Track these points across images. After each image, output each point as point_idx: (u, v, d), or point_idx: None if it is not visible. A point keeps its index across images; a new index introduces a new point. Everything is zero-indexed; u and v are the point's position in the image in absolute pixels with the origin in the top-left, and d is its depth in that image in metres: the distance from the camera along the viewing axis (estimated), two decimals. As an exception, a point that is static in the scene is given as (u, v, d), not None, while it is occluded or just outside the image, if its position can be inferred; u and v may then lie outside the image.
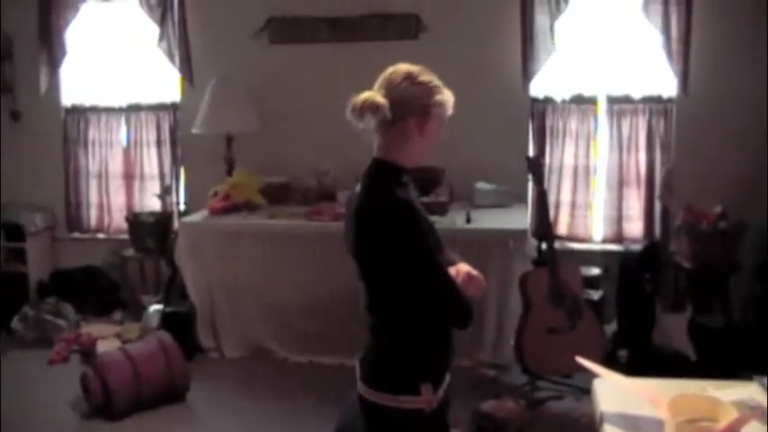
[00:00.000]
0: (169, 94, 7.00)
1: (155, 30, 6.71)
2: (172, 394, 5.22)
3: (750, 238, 5.70)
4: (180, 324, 5.90)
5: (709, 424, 2.38)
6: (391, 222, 2.51)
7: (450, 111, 2.67)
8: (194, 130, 6.41)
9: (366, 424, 2.72)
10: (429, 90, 2.63)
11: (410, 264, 2.53)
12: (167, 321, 5.94)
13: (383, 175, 2.62)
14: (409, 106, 2.60)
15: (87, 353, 5.93)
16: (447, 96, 2.66)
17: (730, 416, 2.37)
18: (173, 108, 6.98)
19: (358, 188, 2.65)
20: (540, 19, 6.10)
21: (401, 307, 2.63)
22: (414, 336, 2.65)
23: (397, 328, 2.67)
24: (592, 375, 2.75)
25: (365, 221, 2.57)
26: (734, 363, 5.12)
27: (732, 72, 5.96)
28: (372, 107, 2.57)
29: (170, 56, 6.72)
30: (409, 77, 2.64)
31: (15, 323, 6.43)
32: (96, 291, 6.92)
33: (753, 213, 5.63)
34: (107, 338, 6.21)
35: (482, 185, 6.14)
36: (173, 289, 6.35)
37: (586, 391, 2.92)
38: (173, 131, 6.99)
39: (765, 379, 2.80)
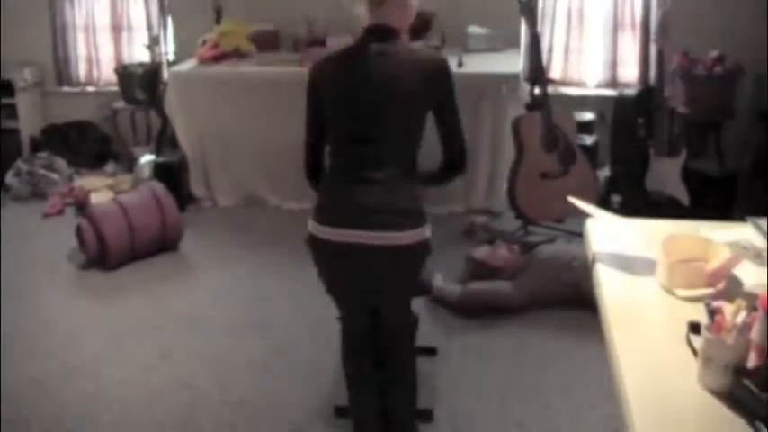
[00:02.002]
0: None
1: None
2: (165, 244, 5.28)
3: (746, 84, 5.64)
4: (172, 174, 5.90)
5: (702, 264, 2.38)
6: (449, 77, 2.88)
7: None
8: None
9: (414, 265, 2.96)
10: None
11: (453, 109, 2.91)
12: (159, 172, 5.93)
13: (395, 36, 2.95)
14: None
15: (81, 205, 5.94)
16: None
17: (723, 256, 2.37)
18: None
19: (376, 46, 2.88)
20: None
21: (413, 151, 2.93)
22: (414, 173, 2.95)
23: (410, 170, 2.92)
24: (584, 220, 2.75)
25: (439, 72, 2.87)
26: (727, 208, 5.15)
27: None
28: None
29: None
30: None
31: (9, 178, 6.43)
32: (88, 144, 6.91)
33: (750, 59, 5.54)
34: (100, 190, 6.22)
35: (474, 29, 6.04)
36: (164, 139, 6.33)
37: (578, 236, 2.92)
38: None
39: (759, 220, 2.81)
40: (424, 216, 2.88)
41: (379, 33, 2.87)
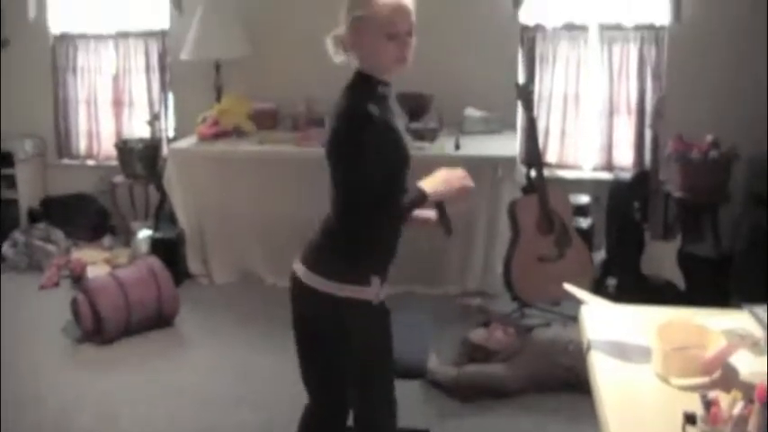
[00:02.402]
0: (158, 21, 6.89)
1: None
2: (161, 319, 5.27)
3: (741, 168, 5.70)
4: (169, 249, 5.92)
5: (698, 352, 2.39)
6: (348, 129, 2.69)
7: (380, 12, 2.69)
8: (183, 56, 6.34)
9: (315, 311, 2.96)
10: (349, 6, 2.76)
11: (350, 168, 2.73)
12: (157, 247, 5.95)
13: (356, 84, 2.77)
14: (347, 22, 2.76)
15: (78, 278, 5.95)
16: (367, 7, 2.70)
17: (719, 344, 2.38)
18: (161, 34, 6.89)
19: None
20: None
21: (353, 207, 2.80)
22: (364, 233, 2.84)
23: (352, 225, 2.84)
24: (580, 303, 2.77)
25: (334, 123, 2.75)
26: (723, 292, 5.16)
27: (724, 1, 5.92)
28: (334, 44, 2.82)
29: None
30: None
31: (6, 249, 6.44)
32: (86, 217, 6.93)
33: (744, 143, 5.61)
34: (97, 264, 6.23)
35: (471, 112, 6.11)
36: (162, 215, 6.37)
37: (574, 319, 2.93)
38: (161, 58, 6.92)
39: (756, 308, 2.82)
40: None
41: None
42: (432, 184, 2.73)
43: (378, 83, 2.76)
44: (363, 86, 2.75)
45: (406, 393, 4.08)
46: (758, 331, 2.66)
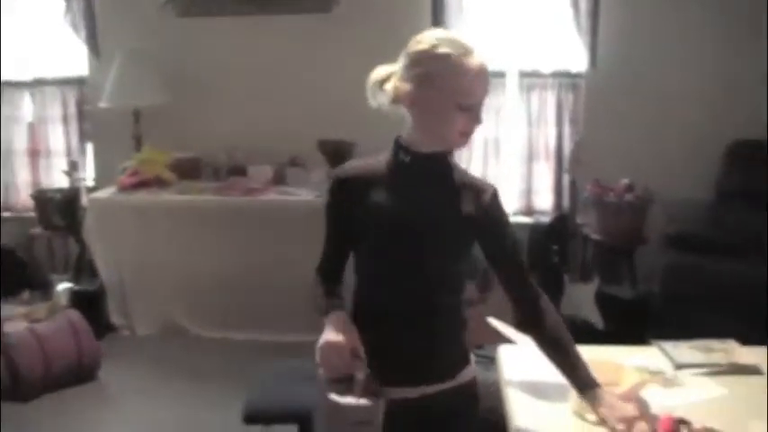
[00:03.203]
0: (75, 68, 6.83)
1: (59, 2, 6.55)
2: (82, 373, 5.17)
3: (656, 211, 5.82)
4: (90, 302, 5.83)
5: (612, 388, 2.44)
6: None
7: (466, 86, 2.21)
8: (101, 105, 6.29)
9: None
10: (415, 57, 2.26)
11: None
12: (77, 300, 5.85)
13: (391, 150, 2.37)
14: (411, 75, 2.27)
15: (-6, 334, 5.82)
16: (448, 67, 2.22)
17: (632, 380, 2.44)
18: (79, 82, 6.83)
19: None
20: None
21: None
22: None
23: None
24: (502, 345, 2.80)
25: None
26: (640, 331, 5.25)
27: (639, 46, 6.07)
28: (380, 89, 2.35)
29: (75, 28, 6.55)
30: (409, 44, 2.32)
31: None
32: (3, 271, 6.79)
33: (659, 186, 5.73)
34: (14, 319, 6.09)
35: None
36: (82, 267, 6.28)
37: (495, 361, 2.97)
38: (79, 105, 6.85)
39: (665, 344, 2.90)
40: None
41: None
42: (320, 340, 2.30)
43: (402, 149, 2.33)
44: (391, 152, 2.36)
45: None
46: (667, 366, 2.73)
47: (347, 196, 2.38)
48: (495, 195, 2.34)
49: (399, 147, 2.34)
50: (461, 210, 2.31)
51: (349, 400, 2.17)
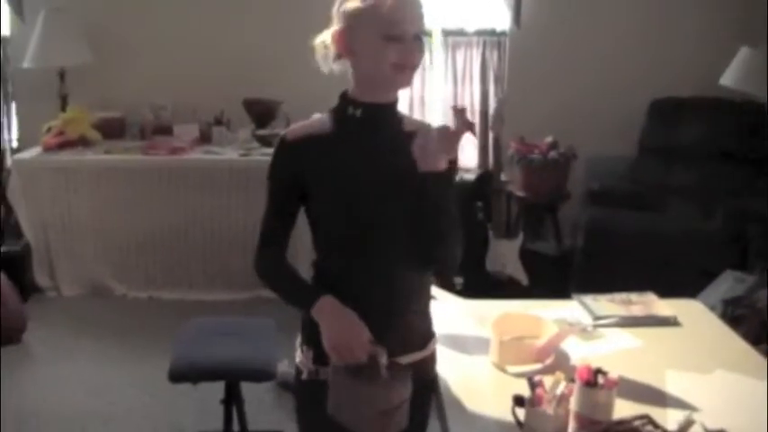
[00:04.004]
0: (-3, 28, 6.71)
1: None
2: (7, 336, 5.11)
3: (579, 167, 5.92)
4: (14, 264, 5.75)
5: (531, 341, 2.51)
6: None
7: (386, 13, 2.11)
8: (25, 65, 6.19)
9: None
10: None
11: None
12: (1, 261, 5.79)
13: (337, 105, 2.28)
14: (337, 19, 2.22)
15: None
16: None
17: (552, 332, 2.51)
18: (2, 42, 6.70)
19: None
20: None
21: None
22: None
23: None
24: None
25: None
26: (564, 286, 5.36)
27: (562, 5, 6.15)
28: (322, 50, 2.28)
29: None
30: None
31: None
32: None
33: (582, 143, 5.83)
34: (-62, 280, 6.03)
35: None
36: (6, 228, 6.20)
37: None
38: (2, 66, 6.73)
39: (584, 297, 2.98)
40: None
41: None
42: (328, 332, 2.13)
43: (350, 102, 2.24)
44: (337, 107, 2.27)
45: (259, 396, 4.14)
46: (586, 318, 2.81)
47: (295, 159, 2.23)
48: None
49: (346, 101, 2.24)
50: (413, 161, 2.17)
51: (379, 387, 2.05)
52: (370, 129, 2.22)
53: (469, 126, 2.54)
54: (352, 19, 2.14)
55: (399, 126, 2.27)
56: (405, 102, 6.34)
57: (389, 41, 2.10)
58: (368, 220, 2.19)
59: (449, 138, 2.10)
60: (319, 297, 2.17)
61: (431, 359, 2.34)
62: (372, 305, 2.17)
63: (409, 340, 2.26)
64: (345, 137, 2.21)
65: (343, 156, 2.20)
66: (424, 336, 2.32)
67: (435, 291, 2.75)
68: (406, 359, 2.21)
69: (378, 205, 2.18)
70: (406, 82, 2.19)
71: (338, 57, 2.22)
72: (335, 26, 2.20)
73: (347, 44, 2.17)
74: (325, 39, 2.25)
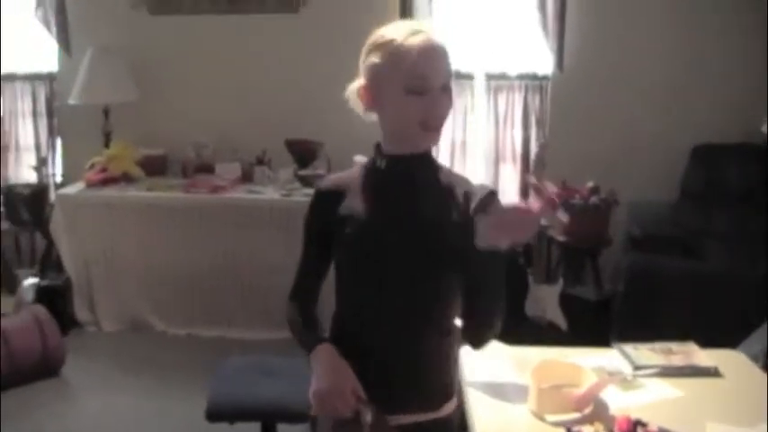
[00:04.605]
0: (46, 64, 6.81)
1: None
2: (46, 369, 5.15)
3: (620, 213, 5.88)
4: (56, 297, 5.82)
5: (570, 390, 2.49)
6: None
7: (408, 66, 2.05)
8: (71, 101, 6.29)
9: None
10: (366, 50, 2.19)
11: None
12: (43, 295, 5.84)
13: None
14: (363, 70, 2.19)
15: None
16: (389, 52, 2.09)
17: (590, 381, 2.48)
18: (49, 78, 6.82)
19: None
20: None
21: None
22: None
23: None
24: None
25: None
26: (603, 332, 5.31)
27: (605, 50, 6.13)
28: (357, 98, 2.22)
29: (47, 24, 6.54)
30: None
31: None
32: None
33: (623, 188, 5.79)
34: (-21, 313, 6.09)
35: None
36: (48, 262, 6.26)
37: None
38: (49, 101, 6.84)
39: (624, 346, 2.94)
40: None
41: None
42: (315, 380, 2.11)
43: (378, 153, 2.20)
44: (370, 158, 2.24)
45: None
46: (626, 367, 2.78)
47: (326, 210, 2.19)
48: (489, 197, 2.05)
49: (376, 152, 2.20)
50: (447, 216, 2.11)
51: None
52: (395, 181, 2.16)
53: (554, 206, 2.41)
54: (376, 73, 2.10)
55: (434, 177, 2.20)
56: (446, 146, 6.35)
57: (414, 96, 2.04)
58: (378, 276, 2.12)
59: (529, 221, 1.98)
60: (320, 343, 2.15)
61: (448, 421, 2.22)
62: (379, 362, 2.13)
63: (418, 400, 2.16)
64: (370, 189, 2.17)
65: (364, 208, 2.14)
66: (440, 396, 2.20)
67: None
68: (411, 419, 2.14)
69: (394, 261, 2.10)
70: (434, 139, 2.14)
71: (366, 110, 2.18)
72: (361, 80, 2.16)
73: (372, 99, 2.13)
74: (354, 89, 2.20)
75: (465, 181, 2.22)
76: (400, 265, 2.10)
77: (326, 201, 2.20)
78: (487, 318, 2.13)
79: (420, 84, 2.03)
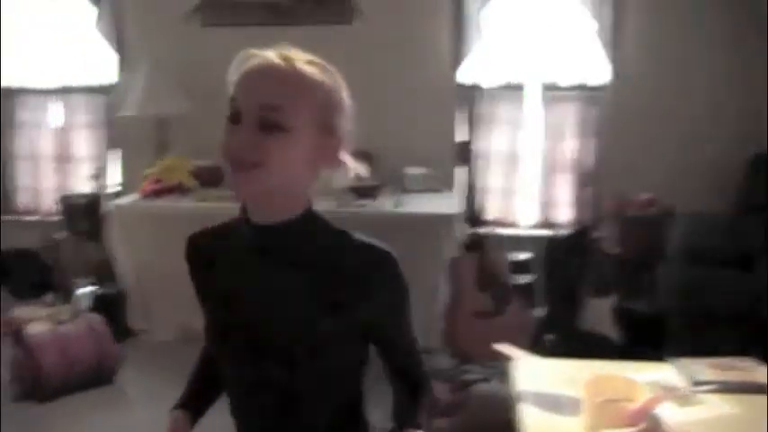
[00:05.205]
0: (103, 76, 6.91)
1: (87, 9, 6.64)
2: (101, 377, 5.22)
3: (677, 226, 5.81)
4: (111, 306, 5.89)
5: (625, 404, 2.45)
6: None
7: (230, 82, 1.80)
8: (126, 113, 6.36)
9: None
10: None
11: None
12: (98, 303, 5.91)
13: None
14: None
15: (17, 335, 5.87)
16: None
17: (645, 396, 2.45)
18: (106, 90, 6.91)
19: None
20: (471, 4, 6.16)
21: None
22: None
23: None
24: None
25: None
26: (658, 347, 5.25)
27: (661, 59, 6.08)
28: None
29: (107, 37, 6.65)
30: None
31: (-59, 306, 6.35)
32: (28, 273, 6.85)
33: (680, 200, 5.73)
34: (38, 320, 6.14)
35: (412, 170, 6.17)
36: (104, 271, 6.32)
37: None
38: (106, 113, 6.93)
39: (679, 361, 2.90)
40: None
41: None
42: None
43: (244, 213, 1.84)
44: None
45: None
46: (681, 382, 2.74)
47: (194, 267, 1.97)
48: (382, 268, 1.74)
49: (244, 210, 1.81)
50: (327, 299, 1.73)
51: None
52: (264, 255, 1.83)
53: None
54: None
55: (310, 252, 1.81)
56: (498, 156, 6.33)
57: (229, 123, 1.73)
58: (249, 381, 1.89)
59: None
60: (179, 407, 2.08)
61: None
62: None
63: None
64: (234, 260, 1.90)
65: (228, 286, 1.90)
66: None
67: (519, 354, 2.71)
68: None
69: (264, 365, 1.83)
70: (240, 183, 1.72)
71: None
72: None
73: None
74: None
75: (360, 247, 1.80)
76: (265, 367, 1.85)
77: (199, 256, 1.99)
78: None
79: (231, 106, 1.75)
